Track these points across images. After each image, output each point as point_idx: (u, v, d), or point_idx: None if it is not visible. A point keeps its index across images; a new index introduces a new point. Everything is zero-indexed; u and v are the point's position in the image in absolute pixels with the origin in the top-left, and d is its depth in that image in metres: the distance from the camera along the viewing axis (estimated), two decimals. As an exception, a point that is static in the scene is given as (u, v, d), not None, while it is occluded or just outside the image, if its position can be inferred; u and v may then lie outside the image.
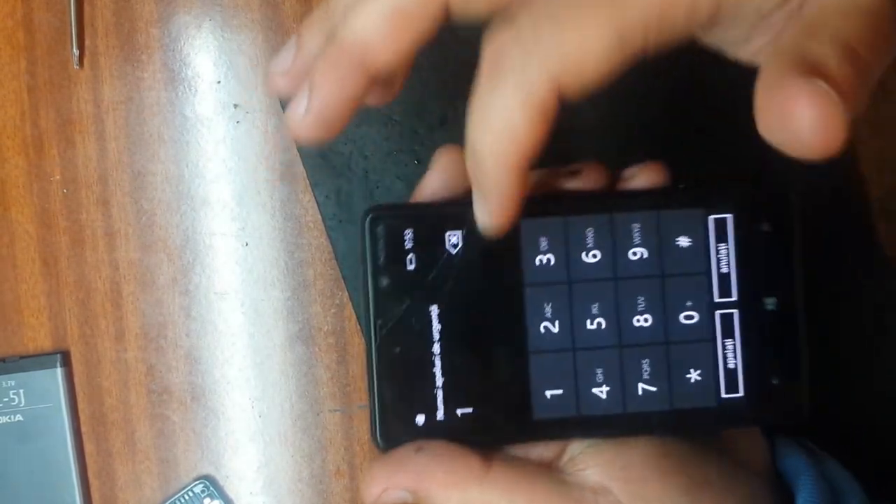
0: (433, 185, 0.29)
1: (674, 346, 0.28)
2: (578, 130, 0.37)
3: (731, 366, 0.28)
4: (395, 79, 0.27)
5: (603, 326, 0.28)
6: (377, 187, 0.39)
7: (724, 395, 0.28)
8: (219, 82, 0.40)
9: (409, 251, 0.27)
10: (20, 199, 0.40)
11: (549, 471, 0.28)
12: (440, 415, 0.27)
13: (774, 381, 0.28)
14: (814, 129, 0.20)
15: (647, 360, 0.28)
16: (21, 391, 0.40)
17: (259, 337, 0.40)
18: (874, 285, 0.38)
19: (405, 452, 0.27)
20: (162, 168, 0.40)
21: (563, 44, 0.21)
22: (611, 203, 0.28)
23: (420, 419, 0.27)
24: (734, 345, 0.28)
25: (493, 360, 0.27)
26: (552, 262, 0.27)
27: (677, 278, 0.28)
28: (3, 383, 0.39)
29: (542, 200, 0.28)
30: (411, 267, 0.27)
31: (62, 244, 0.40)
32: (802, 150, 0.20)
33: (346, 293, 0.40)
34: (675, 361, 0.28)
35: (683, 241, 0.28)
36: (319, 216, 0.39)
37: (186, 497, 0.40)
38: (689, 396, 0.28)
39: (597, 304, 0.27)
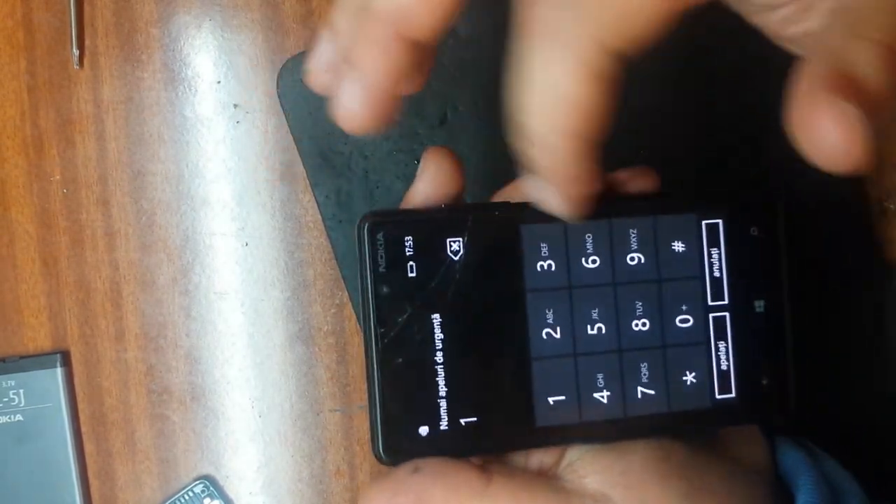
0: (423, 193, 0.28)
1: (670, 350, 0.28)
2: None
3: (723, 367, 0.28)
4: (425, 59, 0.25)
5: (603, 331, 0.28)
6: (377, 187, 0.39)
7: (717, 397, 0.28)
8: (219, 82, 0.40)
9: (409, 258, 0.26)
10: (20, 199, 0.40)
11: (549, 479, 0.27)
12: (444, 425, 0.27)
13: (764, 381, 0.29)
14: (839, 150, 0.20)
15: (645, 364, 0.28)
16: (21, 391, 0.40)
17: (259, 337, 0.40)
18: (874, 285, 0.38)
19: (402, 474, 0.26)
20: (162, 168, 0.40)
21: (609, 1, 0.20)
22: (609, 209, 0.28)
23: (423, 430, 0.27)
24: (726, 347, 0.28)
25: (496, 367, 0.27)
26: (553, 268, 0.27)
27: (673, 283, 0.28)
28: (3, 383, 0.39)
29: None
30: (412, 275, 0.27)
31: (62, 244, 0.40)
32: (826, 166, 0.21)
33: (346, 293, 0.40)
34: (671, 364, 0.28)
35: (678, 246, 0.28)
36: (319, 216, 0.39)
37: (186, 497, 0.40)
38: (685, 398, 0.28)
39: (597, 310, 0.28)
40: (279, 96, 0.39)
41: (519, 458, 0.28)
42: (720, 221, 0.28)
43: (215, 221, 0.40)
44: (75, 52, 0.40)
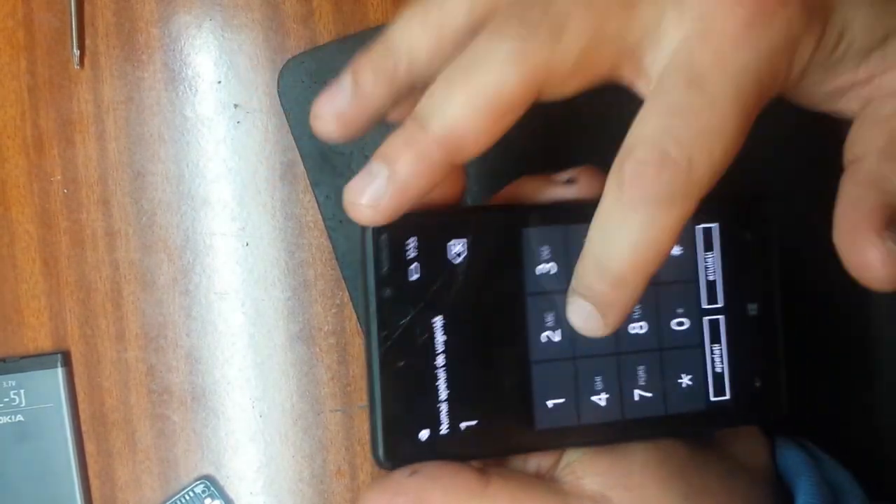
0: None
1: (666, 353, 0.28)
2: (576, 129, 0.37)
3: (718, 370, 0.29)
4: (460, 174, 0.26)
5: None
6: (378, 187, 0.39)
7: (712, 399, 0.29)
8: (219, 82, 0.40)
9: (412, 261, 0.26)
10: (20, 199, 0.40)
11: (547, 481, 0.27)
12: (444, 429, 0.26)
13: (758, 383, 0.29)
14: (884, 281, 0.24)
15: (642, 367, 0.28)
16: (21, 391, 0.40)
17: (259, 337, 0.40)
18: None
19: (400, 477, 0.26)
20: (162, 168, 0.40)
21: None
22: None
23: (424, 434, 0.26)
24: (721, 350, 0.29)
25: (496, 370, 0.27)
26: (553, 271, 0.27)
27: (669, 286, 0.28)
28: (4, 383, 0.39)
29: (542, 209, 0.28)
30: (414, 277, 0.26)
31: (62, 244, 0.40)
32: (868, 286, 0.24)
33: (347, 293, 0.40)
34: (668, 367, 0.28)
35: (675, 250, 0.28)
36: (320, 216, 0.39)
37: (187, 497, 0.40)
38: (681, 400, 0.28)
39: None
40: (280, 96, 0.39)
41: (517, 460, 0.28)
42: (715, 226, 0.29)
43: (216, 221, 0.40)
44: (76, 52, 0.40)
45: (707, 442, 0.29)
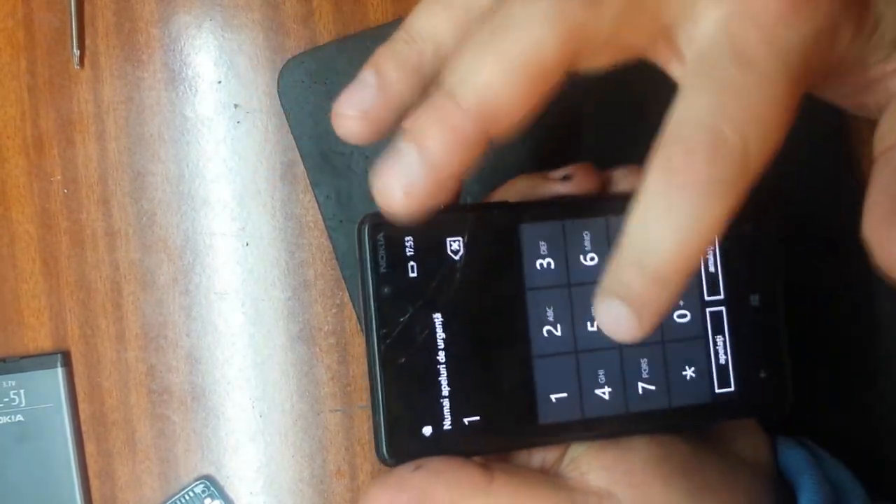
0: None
1: (669, 345, 0.28)
2: (576, 128, 0.37)
3: (722, 361, 0.29)
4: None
5: None
6: (378, 187, 0.39)
7: (717, 390, 0.29)
8: (219, 82, 0.40)
9: (410, 259, 0.26)
10: (20, 199, 0.40)
11: (551, 476, 0.27)
12: (447, 425, 0.27)
13: (762, 374, 0.29)
14: None
15: (645, 360, 0.28)
16: (21, 391, 0.40)
17: (259, 337, 0.40)
18: (875, 285, 0.38)
19: (403, 472, 0.26)
20: (162, 168, 0.40)
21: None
22: (607, 207, 0.28)
23: (427, 430, 0.26)
24: (724, 341, 0.29)
25: (498, 366, 0.27)
26: (552, 266, 0.27)
27: None
28: (3, 383, 0.39)
29: (538, 205, 0.28)
30: (413, 275, 0.26)
31: (62, 244, 0.40)
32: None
33: (347, 293, 0.40)
34: (671, 359, 0.28)
35: None
36: (320, 216, 0.39)
37: (187, 497, 0.40)
38: (685, 393, 0.28)
39: None
40: (280, 96, 0.39)
41: (521, 455, 0.28)
42: None
43: (216, 221, 0.40)
44: (76, 52, 0.40)
45: (709, 438, 0.29)
